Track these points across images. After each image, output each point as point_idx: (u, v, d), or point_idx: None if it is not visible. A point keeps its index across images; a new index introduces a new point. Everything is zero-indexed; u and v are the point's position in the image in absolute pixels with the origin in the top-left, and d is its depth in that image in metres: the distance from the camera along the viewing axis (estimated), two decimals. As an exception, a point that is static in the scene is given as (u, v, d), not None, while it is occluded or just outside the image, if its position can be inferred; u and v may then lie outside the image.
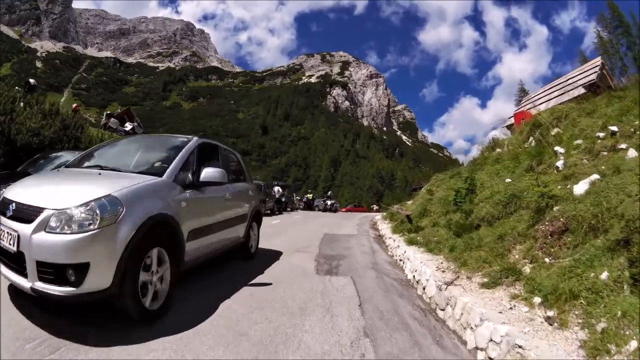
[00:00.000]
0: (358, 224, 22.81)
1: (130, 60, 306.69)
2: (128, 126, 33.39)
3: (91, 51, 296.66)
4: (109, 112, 42.39)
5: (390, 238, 13.86)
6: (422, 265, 7.71)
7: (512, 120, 20.93)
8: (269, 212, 28.01)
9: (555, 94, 16.52)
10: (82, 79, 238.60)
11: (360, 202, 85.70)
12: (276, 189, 34.01)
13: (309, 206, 47.82)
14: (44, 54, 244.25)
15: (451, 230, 9.44)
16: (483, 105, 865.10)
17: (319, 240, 14.02)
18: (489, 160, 13.87)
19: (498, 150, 15.23)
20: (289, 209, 38.15)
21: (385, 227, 17.53)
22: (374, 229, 20.04)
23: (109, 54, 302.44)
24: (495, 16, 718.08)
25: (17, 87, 15.55)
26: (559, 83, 17.52)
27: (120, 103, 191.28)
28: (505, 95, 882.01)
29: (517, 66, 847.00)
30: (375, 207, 69.91)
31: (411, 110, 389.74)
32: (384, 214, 28.03)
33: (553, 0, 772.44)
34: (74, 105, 31.04)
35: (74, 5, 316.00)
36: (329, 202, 40.91)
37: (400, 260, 10.47)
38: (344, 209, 58.76)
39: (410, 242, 10.90)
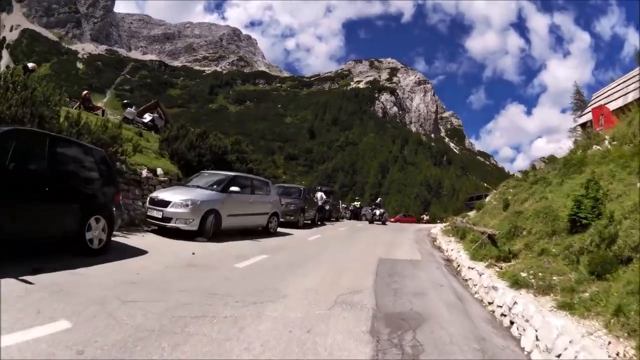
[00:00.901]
0: (415, 240, 20.03)
1: (176, 63, 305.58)
2: (147, 117, 30.22)
3: (135, 54, 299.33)
4: (126, 101, 39.65)
5: (471, 268, 10.48)
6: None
7: (588, 117, 20.23)
8: (309, 222, 25.06)
9: (632, 87, 16.71)
10: (125, 80, 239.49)
11: (408, 212, 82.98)
12: (319, 194, 30.52)
13: (356, 215, 44.64)
14: (85, 56, 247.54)
15: (579, 263, 6.52)
16: (529, 113, 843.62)
17: (372, 273, 9.92)
18: (591, 159, 11.39)
19: (596, 147, 12.63)
20: (333, 218, 35.03)
21: (453, 248, 14.64)
22: (437, 248, 17.37)
23: (153, 57, 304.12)
24: (538, 23, 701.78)
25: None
26: (632, 77, 17.56)
27: (165, 105, 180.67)
28: (550, 103, 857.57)
29: (561, 73, 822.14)
30: (425, 217, 67.01)
31: (459, 117, 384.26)
32: (443, 227, 25.50)
33: (592, 6, 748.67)
34: (85, 92, 28.40)
35: (116, 9, 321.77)
36: (377, 212, 34.99)
37: (503, 315, 6.81)
38: (392, 219, 55.94)
39: (515, 283, 7.41)
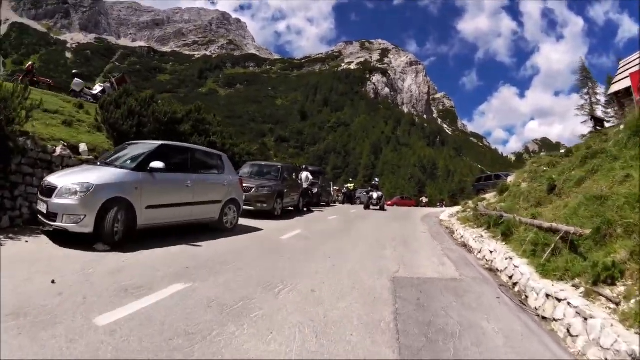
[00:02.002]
0: (432, 235, 15.01)
1: (165, 49, 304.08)
2: (97, 88, 24.89)
3: (124, 42, 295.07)
4: (75, 71, 34.17)
5: (551, 298, 5.94)
6: None
7: (625, 84, 18.74)
8: (291, 208, 20.62)
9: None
10: (114, 68, 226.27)
11: (404, 194, 78.80)
12: (304, 175, 24.46)
13: (350, 199, 40.21)
14: (74, 46, 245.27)
15: None
16: (522, 95, 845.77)
17: (389, 331, 5.04)
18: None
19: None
20: (323, 203, 29.96)
21: (496, 250, 9.83)
22: (463, 247, 12.56)
23: (142, 43, 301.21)
24: (531, 7, 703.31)
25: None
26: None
27: (155, 90, 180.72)
28: (542, 85, 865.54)
29: (554, 57, 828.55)
30: (424, 199, 62.25)
31: (451, 98, 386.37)
32: (455, 212, 21.69)
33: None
34: (29, 64, 23.61)
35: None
36: (374, 195, 28.76)
37: None
38: (389, 202, 51.52)
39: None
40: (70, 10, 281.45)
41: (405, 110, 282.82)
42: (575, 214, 8.17)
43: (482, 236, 11.77)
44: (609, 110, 50.07)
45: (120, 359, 3.67)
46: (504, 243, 9.93)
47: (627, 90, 18.23)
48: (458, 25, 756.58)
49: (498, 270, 8.86)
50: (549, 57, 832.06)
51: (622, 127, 12.36)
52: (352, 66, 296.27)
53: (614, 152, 10.37)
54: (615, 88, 20.48)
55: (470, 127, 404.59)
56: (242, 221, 13.51)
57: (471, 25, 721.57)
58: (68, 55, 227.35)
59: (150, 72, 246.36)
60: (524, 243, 8.55)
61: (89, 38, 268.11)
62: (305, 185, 23.20)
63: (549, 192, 11.30)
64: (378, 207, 28.76)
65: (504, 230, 10.27)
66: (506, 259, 8.61)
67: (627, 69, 19.37)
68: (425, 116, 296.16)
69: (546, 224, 8.16)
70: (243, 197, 13.33)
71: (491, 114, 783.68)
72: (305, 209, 22.20)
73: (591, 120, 35.41)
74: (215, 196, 11.34)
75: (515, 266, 7.88)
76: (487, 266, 9.59)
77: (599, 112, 54.17)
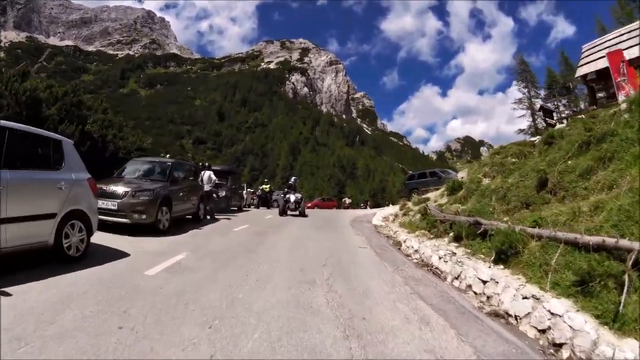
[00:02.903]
0: (378, 254, 10.72)
1: (91, 48, 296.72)
2: None
3: (53, 40, 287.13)
4: None
5: None
6: None
7: (596, 66, 18.46)
8: (189, 217, 16.31)
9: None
10: (42, 67, 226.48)
11: (325, 195, 75.83)
12: (206, 174, 18.91)
13: (266, 202, 35.45)
14: (7, 44, 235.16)
15: None
16: (444, 94, 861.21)
17: None
18: None
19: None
20: (235, 208, 25.80)
21: (480, 274, 6.78)
22: (431, 272, 8.65)
23: (70, 42, 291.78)
24: (459, 7, 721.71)
25: None
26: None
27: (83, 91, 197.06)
28: (466, 85, 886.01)
29: (480, 56, 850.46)
30: (347, 200, 58.53)
31: (370, 98, 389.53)
32: (392, 214, 19.26)
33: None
34: None
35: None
36: (292, 198, 24.03)
37: None
38: (309, 204, 47.27)
39: None
40: (7, 7, 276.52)
41: (324, 110, 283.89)
42: (630, 218, 5.08)
43: (453, 253, 8.36)
44: (549, 104, 50.87)
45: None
46: (502, 267, 6.69)
47: (600, 73, 17.89)
48: (381, 24, 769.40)
49: (516, 318, 5.33)
50: (475, 56, 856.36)
51: (623, 106, 9.74)
52: (272, 65, 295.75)
53: (629, 134, 7.73)
54: (583, 71, 19.83)
55: (390, 127, 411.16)
56: (107, 240, 9.81)
57: (395, 24, 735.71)
58: (1, 54, 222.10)
59: (76, 72, 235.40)
60: (550, 270, 5.28)
61: (21, 37, 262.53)
62: (207, 188, 18.35)
63: (539, 190, 8.37)
64: (297, 212, 23.75)
65: (500, 247, 6.91)
66: (525, 298, 5.27)
67: (594, 52, 19.21)
68: (344, 116, 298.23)
69: (590, 239, 4.96)
70: (96, 207, 8.60)
71: (411, 113, 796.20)
72: (208, 217, 17.87)
73: (539, 111, 34.02)
74: (45, 207, 6.97)
75: (560, 315, 4.49)
76: (489, 309, 6.01)
77: (538, 106, 54.24)
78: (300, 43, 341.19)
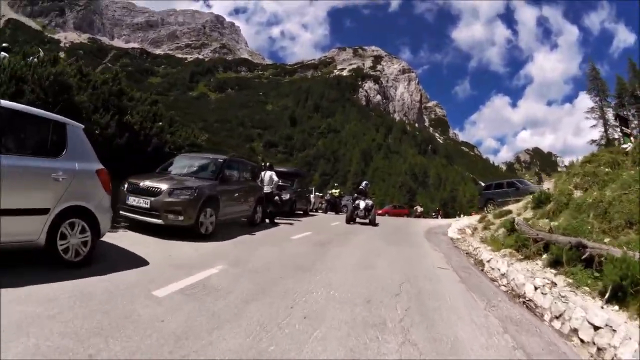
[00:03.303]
0: (463, 279, 8.67)
1: (158, 52, 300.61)
2: None
3: (118, 43, 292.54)
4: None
5: None
6: None
7: None
8: (244, 219, 14.95)
9: None
10: (106, 69, 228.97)
11: (396, 202, 74.25)
12: (267, 175, 17.88)
13: (334, 207, 34.03)
14: (67, 45, 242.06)
15: None
16: (514, 105, 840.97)
17: None
18: None
19: None
20: (301, 212, 24.36)
21: (614, 338, 4.70)
22: (528, 309, 6.84)
23: (136, 45, 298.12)
24: (527, 15, 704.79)
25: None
26: None
27: (143, 93, 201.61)
28: (535, 95, 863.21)
29: (548, 65, 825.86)
30: (418, 208, 56.83)
31: (443, 107, 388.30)
32: (468, 228, 17.26)
33: (582, 0, 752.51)
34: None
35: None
36: (361, 204, 21.32)
37: None
38: (380, 211, 45.64)
39: None
40: (65, 9, 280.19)
41: (397, 118, 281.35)
42: None
43: (552, 283, 6.73)
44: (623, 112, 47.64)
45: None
46: (617, 308, 5.17)
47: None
48: (452, 33, 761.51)
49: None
50: (543, 66, 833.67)
51: None
52: (345, 72, 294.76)
53: None
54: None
55: (462, 137, 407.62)
56: (132, 241, 8.68)
57: (465, 33, 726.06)
58: (61, 54, 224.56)
59: (142, 74, 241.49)
60: None
61: (82, 38, 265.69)
62: (267, 190, 16.95)
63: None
64: (367, 220, 21.07)
65: (619, 282, 5.29)
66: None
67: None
68: (416, 124, 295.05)
69: None
70: (107, 204, 7.15)
71: (482, 124, 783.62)
72: (267, 221, 16.26)
73: (615, 119, 31.88)
74: (34, 200, 5.86)
75: None
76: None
77: (610, 115, 51.21)
78: (373, 51, 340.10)
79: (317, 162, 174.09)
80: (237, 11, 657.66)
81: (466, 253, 12.32)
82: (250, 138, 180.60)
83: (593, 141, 57.14)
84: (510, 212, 14.99)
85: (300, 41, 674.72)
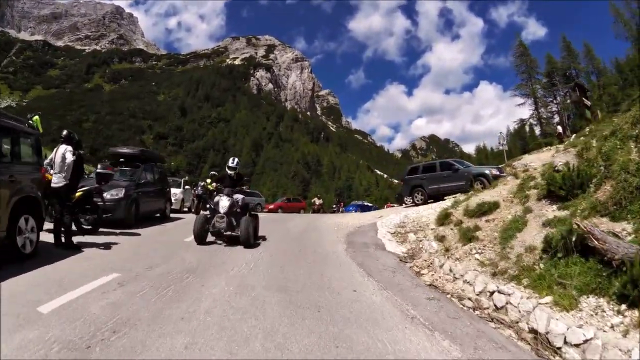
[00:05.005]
0: None
1: (60, 43, 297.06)
2: None
3: (24, 35, 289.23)
4: None
5: None
6: None
7: None
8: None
9: None
10: (11, 62, 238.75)
11: (289, 195, 67.97)
12: (60, 154, 9.18)
13: (205, 203, 19.36)
14: None
15: None
16: (409, 93, 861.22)
17: None
18: None
19: None
20: (158, 214, 17.34)
21: None
22: None
23: (39, 37, 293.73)
24: (429, 6, 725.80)
25: None
26: None
27: (43, 86, 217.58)
28: (432, 84, 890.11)
29: (448, 55, 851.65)
30: (317, 201, 46.59)
31: (336, 95, 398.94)
32: (399, 229, 12.10)
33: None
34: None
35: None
36: (222, 202, 11.06)
37: None
38: (273, 205, 39.71)
39: None
40: None
41: (289, 106, 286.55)
42: None
43: None
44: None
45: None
46: None
47: None
48: (349, 24, 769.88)
49: None
50: (442, 56, 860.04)
51: None
52: (237, 62, 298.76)
53: None
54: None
55: (355, 125, 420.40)
56: None
57: (363, 24, 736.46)
58: None
59: (42, 67, 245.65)
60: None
61: None
62: (55, 181, 9.27)
63: None
64: (237, 233, 10.72)
65: None
66: None
67: None
68: (309, 113, 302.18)
69: None
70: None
71: (376, 112, 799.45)
72: (60, 242, 8.97)
73: (574, 89, 27.96)
74: None
75: None
76: None
77: (540, 93, 51.02)
78: (267, 40, 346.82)
79: (207, 153, 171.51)
80: (137, 2, 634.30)
81: (459, 300, 6.31)
82: (141, 130, 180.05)
83: (522, 120, 57.39)
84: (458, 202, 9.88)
85: (196, 32, 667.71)
